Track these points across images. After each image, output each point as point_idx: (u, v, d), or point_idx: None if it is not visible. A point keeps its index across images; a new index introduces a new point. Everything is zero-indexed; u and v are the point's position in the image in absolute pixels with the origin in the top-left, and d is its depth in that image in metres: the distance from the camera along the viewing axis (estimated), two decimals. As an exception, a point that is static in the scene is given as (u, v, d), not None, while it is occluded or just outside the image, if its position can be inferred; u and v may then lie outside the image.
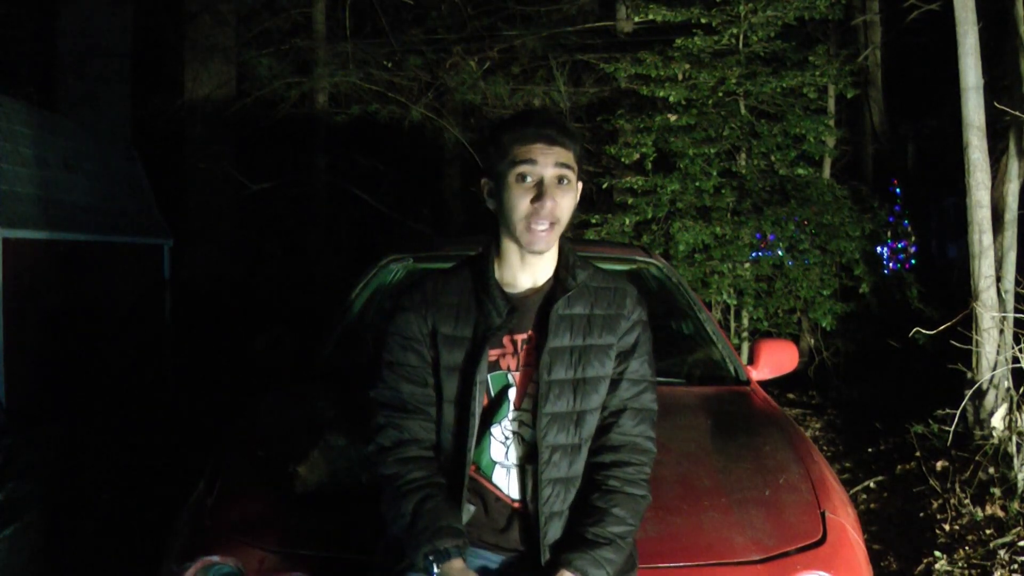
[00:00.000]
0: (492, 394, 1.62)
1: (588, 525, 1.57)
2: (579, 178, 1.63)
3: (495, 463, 1.63)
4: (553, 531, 1.59)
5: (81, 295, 5.37)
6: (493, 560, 1.64)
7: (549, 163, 1.56)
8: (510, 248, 1.63)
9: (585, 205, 7.52)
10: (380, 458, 1.63)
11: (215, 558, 1.91)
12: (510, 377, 1.62)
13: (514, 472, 1.62)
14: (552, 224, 1.57)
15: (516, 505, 1.63)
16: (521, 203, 1.56)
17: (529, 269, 1.65)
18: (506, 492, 1.63)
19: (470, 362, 1.60)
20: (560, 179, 1.57)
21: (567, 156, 1.58)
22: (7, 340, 4.42)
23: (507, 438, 1.62)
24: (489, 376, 1.62)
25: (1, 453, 2.90)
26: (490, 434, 1.62)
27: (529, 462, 1.60)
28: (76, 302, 5.28)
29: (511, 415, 1.62)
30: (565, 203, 1.59)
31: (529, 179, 1.56)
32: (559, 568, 1.52)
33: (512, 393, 1.62)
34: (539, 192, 1.55)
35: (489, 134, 1.67)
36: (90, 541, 3.29)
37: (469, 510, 1.61)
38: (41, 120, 5.45)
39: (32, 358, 4.71)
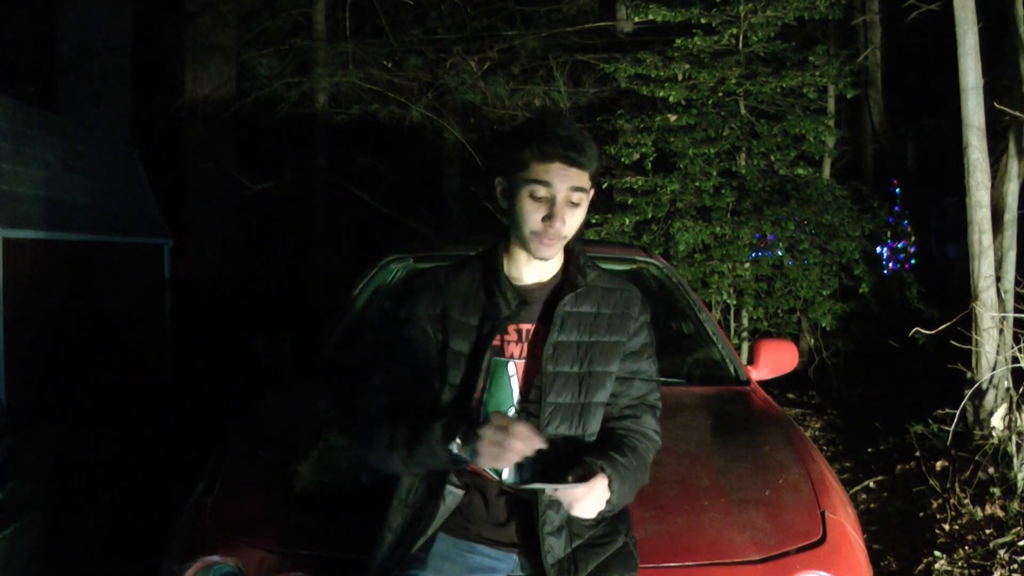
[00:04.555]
0: (490, 381, 1.65)
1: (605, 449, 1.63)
2: (592, 188, 1.65)
3: None
4: (551, 521, 1.60)
5: (81, 295, 5.37)
6: (492, 556, 1.65)
7: (564, 186, 1.58)
8: (517, 248, 1.68)
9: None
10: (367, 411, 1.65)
11: (215, 558, 1.91)
12: (512, 366, 1.66)
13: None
14: (560, 239, 1.62)
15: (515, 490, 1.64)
16: (532, 218, 1.60)
17: (536, 267, 1.70)
18: (505, 477, 1.65)
19: (477, 348, 1.64)
20: (573, 199, 1.60)
21: (582, 179, 1.60)
22: (7, 340, 4.42)
23: None
24: (493, 360, 1.65)
25: (1, 453, 2.90)
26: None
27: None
28: (76, 302, 5.28)
29: (516, 404, 1.65)
30: (574, 221, 1.62)
31: (543, 197, 1.59)
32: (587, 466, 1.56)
33: (515, 383, 1.66)
34: (550, 212, 1.58)
35: (511, 137, 1.68)
36: (90, 541, 3.29)
37: (456, 495, 1.64)
38: (41, 120, 5.45)
39: (32, 358, 4.71)
